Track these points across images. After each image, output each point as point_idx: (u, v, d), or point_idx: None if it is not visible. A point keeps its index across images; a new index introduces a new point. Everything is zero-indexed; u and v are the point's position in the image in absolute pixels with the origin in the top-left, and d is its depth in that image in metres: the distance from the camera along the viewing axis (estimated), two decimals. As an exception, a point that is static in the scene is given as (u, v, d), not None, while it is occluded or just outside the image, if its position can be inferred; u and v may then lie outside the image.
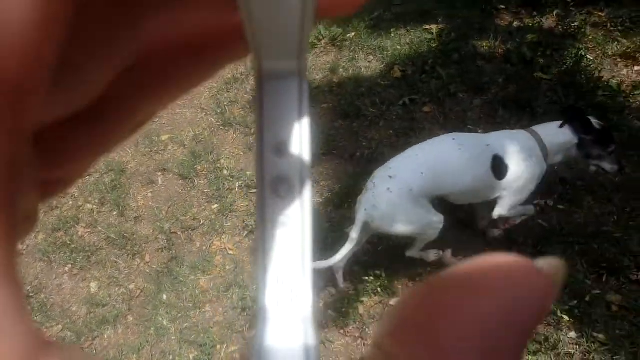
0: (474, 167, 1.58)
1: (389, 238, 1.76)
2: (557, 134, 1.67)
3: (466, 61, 2.78)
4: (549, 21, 2.99)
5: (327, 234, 1.99)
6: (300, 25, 0.11)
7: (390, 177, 1.55)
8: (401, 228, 1.56)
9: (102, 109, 0.13)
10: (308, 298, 0.13)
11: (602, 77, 2.57)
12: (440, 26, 3.02)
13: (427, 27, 3.04)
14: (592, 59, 2.70)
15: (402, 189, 1.52)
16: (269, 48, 0.12)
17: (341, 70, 2.86)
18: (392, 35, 3.02)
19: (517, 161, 1.62)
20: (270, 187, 0.13)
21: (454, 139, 1.63)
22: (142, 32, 0.11)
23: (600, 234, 1.92)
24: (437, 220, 1.59)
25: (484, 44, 2.88)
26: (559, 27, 2.91)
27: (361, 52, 2.95)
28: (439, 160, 1.58)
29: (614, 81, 2.55)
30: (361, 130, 2.49)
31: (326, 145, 2.43)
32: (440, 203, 1.67)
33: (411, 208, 1.53)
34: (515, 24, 3.00)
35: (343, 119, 2.57)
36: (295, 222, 0.13)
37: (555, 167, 1.73)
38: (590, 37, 2.83)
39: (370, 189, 1.57)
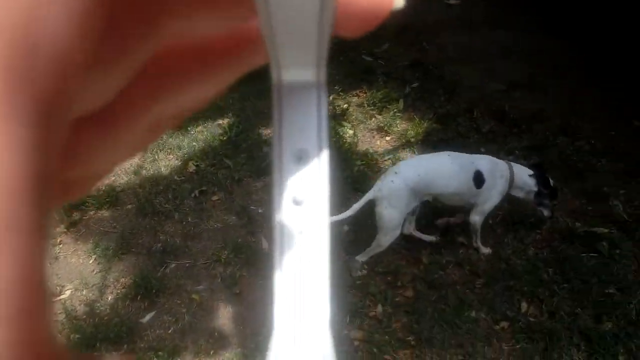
0: (460, 176, 2.22)
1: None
2: (525, 177, 2.32)
3: (254, 148, 3.30)
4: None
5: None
6: (319, 35, 0.12)
7: (395, 173, 2.18)
8: (388, 212, 2.16)
9: (114, 111, 0.13)
10: (326, 311, 0.13)
11: (360, 148, 3.23)
12: (232, 120, 3.55)
13: (220, 122, 3.55)
14: (354, 133, 3.37)
15: (400, 182, 2.14)
16: (287, 56, 0.13)
17: (144, 171, 3.21)
18: (190, 133, 3.48)
19: (492, 178, 2.27)
20: (289, 194, 0.14)
21: (449, 155, 2.29)
22: (159, 34, 0.12)
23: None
24: (398, 231, 2.24)
25: (269, 132, 3.44)
26: (331, 108, 3.59)
27: (162, 152, 3.34)
28: (434, 168, 2.21)
29: (371, 151, 3.22)
30: (158, 225, 2.83)
31: (126, 245, 2.72)
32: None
33: (402, 198, 2.14)
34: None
35: (142, 217, 2.89)
36: (313, 231, 0.14)
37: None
38: (354, 116, 3.53)
39: (382, 179, 2.20)
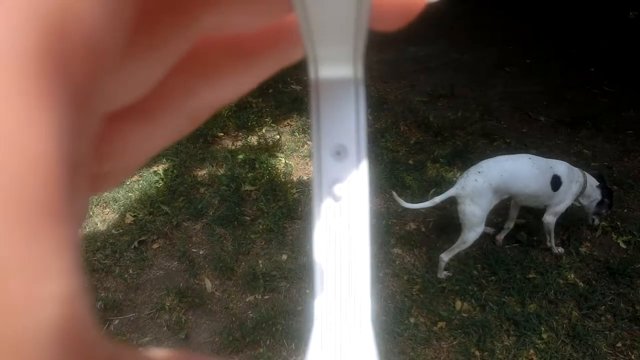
0: (539, 178, 2.42)
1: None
2: (594, 187, 2.57)
3: (190, 191, 3.43)
4: (254, 139, 3.84)
5: None
6: (356, 29, 0.12)
7: (479, 172, 2.37)
8: (472, 209, 2.35)
9: (151, 104, 0.13)
10: (367, 307, 0.13)
11: (295, 177, 3.41)
12: (166, 165, 3.67)
13: (155, 168, 3.67)
14: (287, 162, 3.55)
15: (484, 181, 2.33)
16: (324, 51, 0.13)
17: (79, 230, 3.28)
18: (125, 183, 3.58)
19: (568, 182, 2.48)
20: (328, 190, 0.14)
21: (529, 158, 2.50)
22: (196, 28, 0.12)
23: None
24: (482, 227, 2.43)
25: (204, 172, 3.58)
26: (263, 141, 3.77)
27: (97, 207, 3.42)
28: (516, 169, 2.40)
29: (305, 178, 3.41)
30: (98, 282, 2.90)
31: (69, 306, 2.77)
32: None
33: (487, 198, 2.34)
34: (231, 147, 3.79)
35: (81, 277, 2.95)
36: (353, 226, 0.14)
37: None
38: (286, 146, 3.72)
39: (464, 177, 2.40)
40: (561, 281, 2.61)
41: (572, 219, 2.82)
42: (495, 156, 2.53)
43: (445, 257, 2.54)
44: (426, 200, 2.54)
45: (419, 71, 4.68)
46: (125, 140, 0.14)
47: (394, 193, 2.56)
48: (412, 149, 3.69)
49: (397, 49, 4.89)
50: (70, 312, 0.08)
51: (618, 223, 2.94)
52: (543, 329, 2.35)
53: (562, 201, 2.54)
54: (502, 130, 3.79)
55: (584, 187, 2.56)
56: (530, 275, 2.62)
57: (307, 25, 0.12)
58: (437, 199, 2.46)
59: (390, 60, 4.78)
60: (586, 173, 2.61)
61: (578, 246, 2.82)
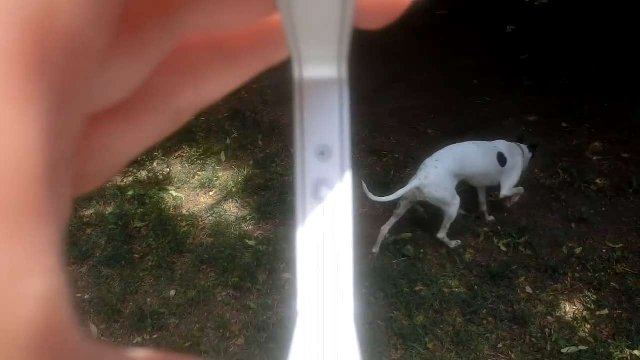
0: (486, 157, 2.81)
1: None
2: (527, 153, 3.01)
3: (76, 233, 3.27)
4: (144, 173, 3.74)
5: None
6: (341, 29, 0.12)
7: (436, 160, 2.72)
8: (441, 193, 2.66)
9: (134, 104, 0.14)
10: (350, 304, 0.13)
11: (185, 209, 3.36)
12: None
13: (36, 213, 3.47)
14: (177, 195, 3.49)
15: (444, 167, 2.68)
16: (309, 52, 0.13)
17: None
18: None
19: (511, 156, 2.89)
20: (311, 190, 0.14)
21: (474, 143, 2.90)
22: (181, 27, 0.12)
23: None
24: (457, 199, 2.73)
25: (92, 212, 3.44)
26: (153, 175, 3.68)
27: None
28: (466, 153, 2.79)
29: (194, 210, 3.37)
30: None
31: None
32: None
33: (449, 180, 2.68)
34: (120, 183, 3.67)
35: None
36: (336, 226, 0.14)
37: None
38: (177, 178, 3.66)
39: (423, 169, 2.72)
40: (446, 290, 2.74)
41: (457, 226, 2.98)
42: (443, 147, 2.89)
43: (442, 235, 2.87)
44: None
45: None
46: (108, 140, 0.14)
47: (364, 184, 2.71)
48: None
49: (287, 71, 4.97)
50: (51, 312, 0.08)
51: (499, 227, 3.14)
52: (428, 339, 2.46)
53: (512, 175, 2.93)
54: (391, 145, 3.95)
55: (524, 156, 3.00)
56: (417, 288, 2.73)
57: (291, 24, 0.12)
58: (401, 192, 2.70)
59: (281, 83, 4.87)
60: (521, 146, 3.04)
61: (463, 254, 2.98)
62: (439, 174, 2.69)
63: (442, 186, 2.71)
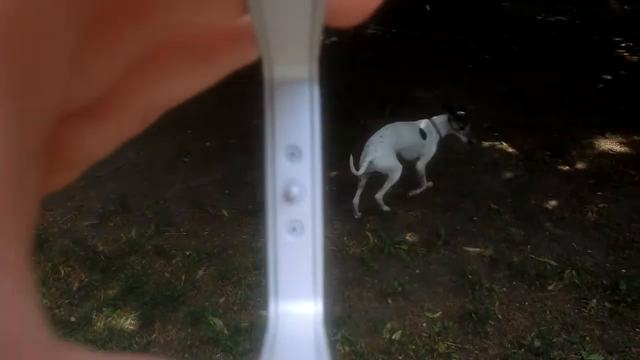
0: (412, 133, 3.45)
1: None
2: (445, 122, 3.52)
3: None
4: None
5: None
6: (311, 30, 0.12)
7: (380, 136, 3.32)
8: (388, 162, 3.25)
9: (103, 103, 0.14)
10: (319, 302, 0.14)
11: None
12: None
13: None
14: None
15: (387, 141, 3.30)
16: (279, 52, 0.13)
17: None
18: None
19: (429, 133, 3.49)
20: (282, 191, 0.14)
21: (404, 123, 3.50)
22: (151, 28, 0.12)
23: None
24: (400, 165, 3.31)
25: None
26: None
27: None
28: (399, 130, 3.40)
29: None
30: None
31: None
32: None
33: (389, 150, 3.28)
34: None
35: None
36: (307, 226, 0.14)
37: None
38: None
39: (373, 144, 3.29)
40: None
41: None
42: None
43: (379, 195, 3.36)
44: None
45: (88, 187, 4.01)
46: (78, 138, 0.14)
47: (351, 158, 3.26)
48: (76, 298, 2.98)
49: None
50: (15, 313, 0.08)
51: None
52: None
53: (430, 150, 3.50)
54: (182, 240, 3.35)
55: (438, 130, 3.51)
56: None
57: (261, 25, 0.12)
58: (363, 168, 3.22)
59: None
60: (438, 117, 3.54)
61: None
62: (384, 147, 3.28)
63: (386, 155, 3.28)
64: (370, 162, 3.24)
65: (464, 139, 3.56)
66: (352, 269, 2.99)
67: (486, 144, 4.14)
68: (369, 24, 6.36)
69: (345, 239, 3.23)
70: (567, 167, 3.94)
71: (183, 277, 3.08)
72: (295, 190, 0.14)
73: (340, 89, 4.79)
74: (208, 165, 4.19)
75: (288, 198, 0.14)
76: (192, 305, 2.90)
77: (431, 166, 3.56)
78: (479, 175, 3.83)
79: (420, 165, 3.54)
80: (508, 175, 3.89)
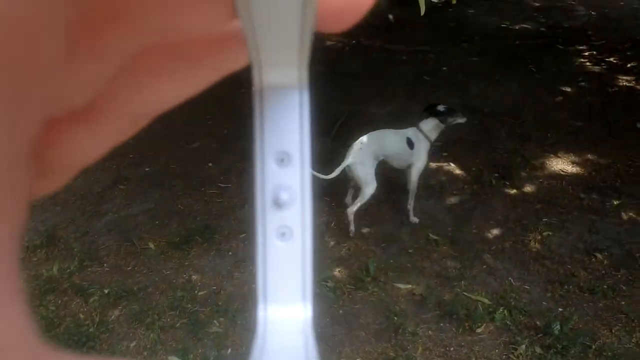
0: (399, 141, 3.36)
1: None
2: (433, 125, 3.37)
3: None
4: None
5: None
6: (301, 35, 0.12)
7: (361, 143, 3.23)
8: (362, 171, 3.18)
9: (93, 108, 0.14)
10: (308, 308, 0.14)
11: None
12: None
13: None
14: None
15: (367, 148, 3.22)
16: (269, 58, 0.13)
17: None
18: None
19: (417, 141, 3.37)
20: (271, 196, 0.14)
21: (390, 131, 3.41)
22: (140, 32, 0.12)
23: None
24: (375, 183, 3.22)
25: None
26: None
27: None
28: (384, 137, 3.34)
29: None
30: None
31: None
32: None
33: (368, 159, 3.21)
34: None
35: None
36: (296, 231, 0.14)
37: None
38: None
39: (353, 150, 3.22)
40: None
41: None
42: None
43: (351, 210, 3.25)
44: None
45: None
46: (67, 143, 0.14)
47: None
48: None
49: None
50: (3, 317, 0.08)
51: None
52: None
53: (420, 158, 3.37)
54: (103, 276, 3.17)
55: (427, 136, 3.37)
56: None
57: (251, 30, 0.12)
58: (338, 169, 3.16)
59: None
60: (423, 122, 3.39)
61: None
62: (363, 154, 3.18)
63: (365, 164, 3.18)
64: (348, 167, 3.20)
65: (461, 120, 3.47)
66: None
67: (434, 165, 3.97)
68: (329, 35, 6.22)
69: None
70: (515, 191, 3.78)
71: (97, 319, 2.90)
72: (284, 195, 0.14)
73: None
74: (143, 193, 4.00)
75: (277, 203, 0.14)
76: (101, 351, 2.72)
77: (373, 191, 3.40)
78: (422, 201, 3.66)
79: (414, 175, 3.42)
80: (452, 200, 3.73)
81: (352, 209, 3.25)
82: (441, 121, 3.37)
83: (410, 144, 3.36)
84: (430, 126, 3.38)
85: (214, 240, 3.42)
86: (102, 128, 0.15)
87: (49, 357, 0.10)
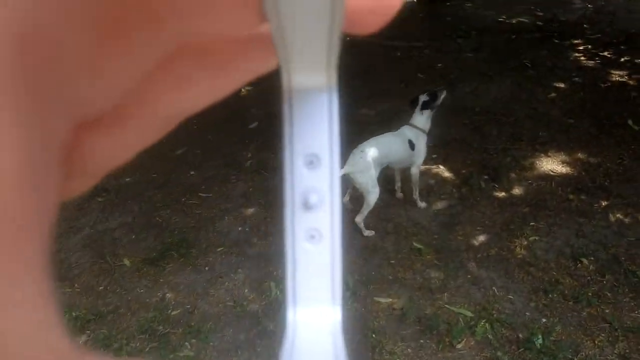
0: (401, 146, 3.36)
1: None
2: (425, 116, 3.41)
3: None
4: None
5: None
6: (329, 37, 0.12)
7: (362, 151, 3.15)
8: (364, 179, 3.10)
9: (123, 110, 0.14)
10: (337, 310, 0.14)
11: None
12: None
13: None
14: None
15: (367, 156, 3.13)
16: (298, 61, 0.13)
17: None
18: None
19: (416, 139, 3.38)
20: (300, 199, 0.14)
21: (391, 134, 3.40)
22: (170, 34, 0.12)
23: None
24: (377, 188, 3.17)
25: None
26: None
27: None
28: (385, 143, 3.28)
29: None
30: None
31: None
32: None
33: (372, 168, 3.12)
34: None
35: None
36: (325, 234, 0.14)
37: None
38: None
39: (352, 158, 3.12)
40: None
41: None
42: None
43: (359, 219, 3.22)
44: None
45: None
46: (96, 145, 0.14)
47: None
48: None
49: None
50: (37, 325, 0.09)
51: None
52: None
53: (420, 154, 3.39)
54: (74, 298, 3.10)
55: (423, 130, 3.39)
56: None
57: (280, 33, 0.12)
58: None
59: None
60: (413, 118, 3.42)
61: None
62: (364, 163, 3.11)
63: (365, 173, 3.09)
64: (346, 175, 3.11)
65: (443, 95, 3.49)
66: (244, 329, 2.73)
67: (423, 168, 3.87)
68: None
69: (245, 291, 2.97)
70: (503, 194, 3.66)
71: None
72: (313, 198, 0.14)
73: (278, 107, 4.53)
74: (122, 205, 3.93)
75: (307, 206, 0.14)
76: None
77: (356, 200, 3.30)
78: (408, 208, 3.56)
79: (415, 170, 3.44)
80: (439, 205, 3.62)
81: (360, 218, 3.25)
82: (430, 109, 3.41)
83: (411, 144, 3.38)
84: (422, 119, 3.41)
85: (190, 255, 3.34)
86: (130, 130, 0.14)
87: (75, 356, 0.10)
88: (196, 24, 0.12)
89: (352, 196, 3.42)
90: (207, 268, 3.24)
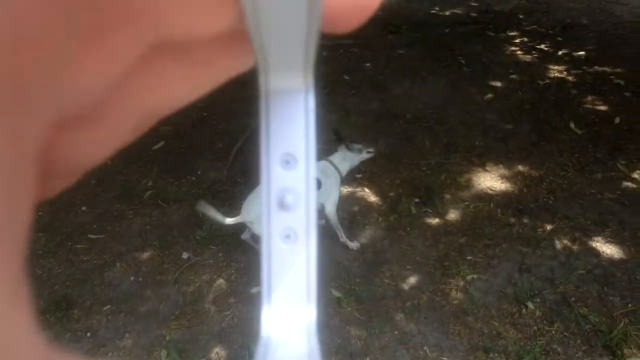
0: None
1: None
2: (343, 156, 3.02)
3: None
4: None
5: None
6: (306, 37, 0.12)
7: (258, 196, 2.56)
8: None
9: (99, 110, 0.13)
10: (312, 309, 0.14)
11: None
12: None
13: None
14: None
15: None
16: (275, 60, 0.13)
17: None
18: None
19: (325, 177, 2.90)
20: (276, 199, 0.14)
21: None
22: (148, 33, 0.12)
23: None
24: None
25: None
26: None
27: None
28: None
29: None
30: None
31: None
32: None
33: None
34: None
35: None
36: (301, 234, 0.14)
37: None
38: None
39: (247, 205, 2.67)
40: None
41: None
42: None
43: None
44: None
45: None
46: (71, 145, 0.14)
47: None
48: None
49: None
50: (7, 321, 0.09)
51: None
52: None
53: (330, 194, 2.88)
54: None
55: (339, 170, 2.95)
56: None
57: (257, 33, 0.12)
58: (236, 219, 2.65)
59: None
60: (335, 155, 2.98)
61: None
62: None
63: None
64: (242, 223, 2.82)
65: (368, 155, 3.13)
66: None
67: (345, 192, 3.38)
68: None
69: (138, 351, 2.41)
70: (437, 220, 3.22)
71: None
72: (289, 198, 0.14)
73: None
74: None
75: (282, 206, 0.14)
76: None
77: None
78: (328, 241, 3.06)
79: (331, 214, 2.99)
80: (364, 239, 3.14)
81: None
82: (352, 152, 3.01)
83: (317, 182, 2.86)
84: (341, 159, 3.01)
85: (71, 318, 2.74)
86: (107, 130, 0.14)
87: (53, 358, 0.10)
88: (174, 22, 0.12)
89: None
90: (88, 334, 2.65)
